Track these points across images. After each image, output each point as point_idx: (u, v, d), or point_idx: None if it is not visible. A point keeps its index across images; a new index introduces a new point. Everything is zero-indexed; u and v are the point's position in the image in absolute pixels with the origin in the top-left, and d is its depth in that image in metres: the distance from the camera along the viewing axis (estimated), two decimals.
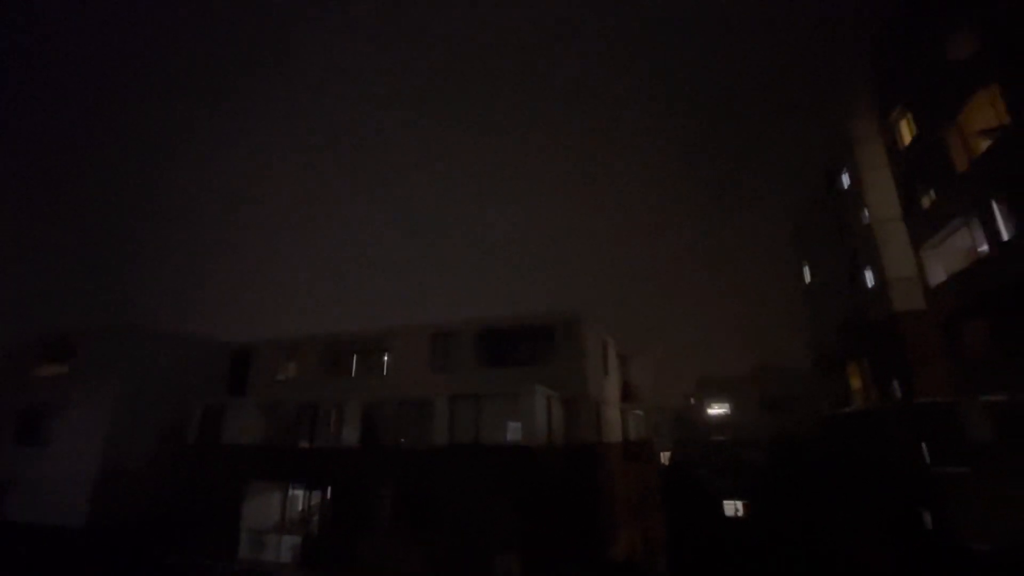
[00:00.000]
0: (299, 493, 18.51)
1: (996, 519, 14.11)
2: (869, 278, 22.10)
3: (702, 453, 42.40)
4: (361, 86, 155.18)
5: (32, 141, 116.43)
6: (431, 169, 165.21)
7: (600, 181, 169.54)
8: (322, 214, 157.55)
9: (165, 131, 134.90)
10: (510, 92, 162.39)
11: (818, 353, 29.07)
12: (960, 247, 16.28)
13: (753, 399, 43.38)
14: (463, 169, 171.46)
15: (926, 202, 17.64)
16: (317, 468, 16.83)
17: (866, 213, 21.99)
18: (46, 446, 19.30)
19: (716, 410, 45.50)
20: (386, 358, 20.49)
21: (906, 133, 18.81)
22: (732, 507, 36.53)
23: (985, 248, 14.61)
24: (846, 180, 23.93)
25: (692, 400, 49.19)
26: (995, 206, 13.88)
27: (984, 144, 14.65)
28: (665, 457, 45.85)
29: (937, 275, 17.18)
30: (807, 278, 30.07)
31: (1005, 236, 13.61)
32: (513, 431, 15.32)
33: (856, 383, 24.35)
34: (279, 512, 18.10)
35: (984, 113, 14.67)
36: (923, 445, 17.89)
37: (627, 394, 24.01)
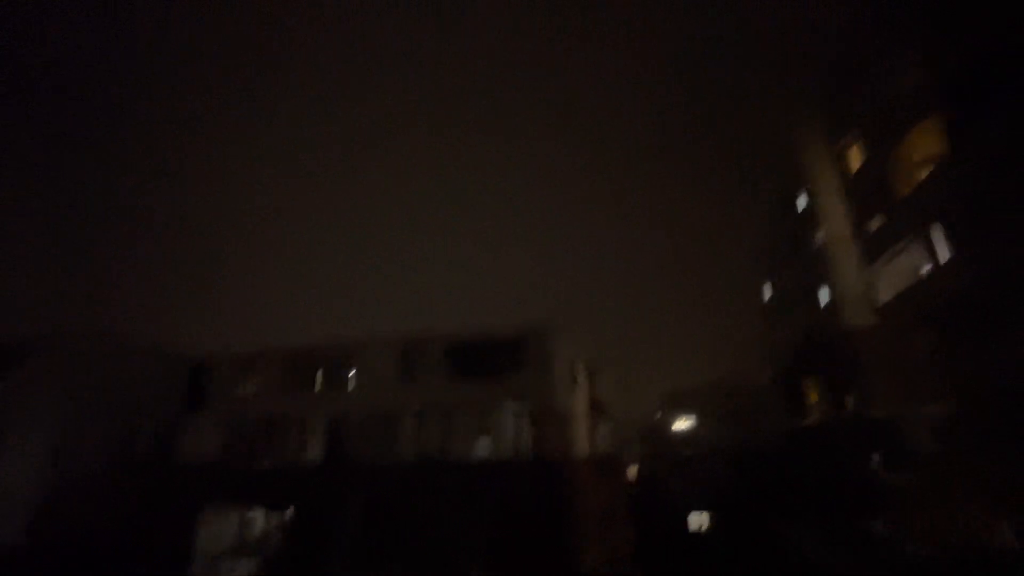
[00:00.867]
0: (258, 514, 17.79)
1: (937, 524, 14.84)
2: (824, 296, 23.18)
3: (669, 467, 42.97)
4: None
5: None
6: (384, 172, 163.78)
7: (572, 189, 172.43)
8: (289, 220, 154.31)
9: (133, 130, 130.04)
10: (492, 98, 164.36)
11: (777, 368, 30.11)
12: (906, 267, 17.35)
13: (718, 413, 44.44)
14: (429, 176, 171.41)
15: (875, 224, 18.75)
16: (278, 488, 16.24)
17: (821, 234, 23.15)
18: None
19: (682, 424, 46.33)
20: (352, 372, 20.11)
21: (856, 159, 20.02)
22: (697, 521, 37.02)
23: (927, 268, 15.64)
24: (802, 203, 25.18)
25: (659, 414, 49.98)
26: (934, 230, 14.94)
27: (925, 171, 15.76)
28: (632, 471, 46.23)
29: (887, 293, 18.21)
30: (766, 295, 31.27)
31: (944, 257, 14.64)
32: (482, 446, 15.23)
33: (813, 397, 25.34)
34: (236, 534, 17.33)
35: (926, 142, 15.79)
36: (874, 456, 18.73)
37: (595, 408, 24.21)
